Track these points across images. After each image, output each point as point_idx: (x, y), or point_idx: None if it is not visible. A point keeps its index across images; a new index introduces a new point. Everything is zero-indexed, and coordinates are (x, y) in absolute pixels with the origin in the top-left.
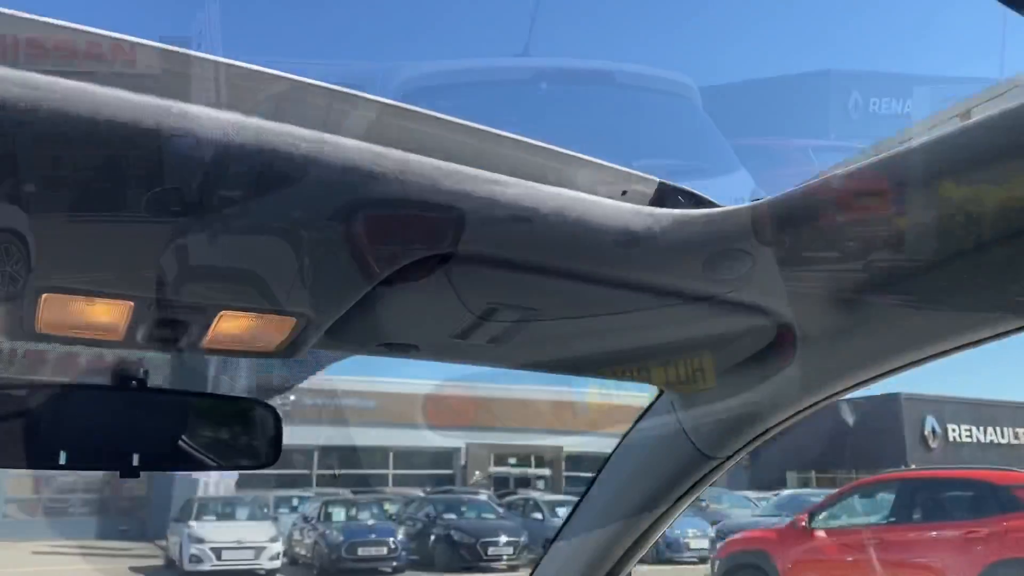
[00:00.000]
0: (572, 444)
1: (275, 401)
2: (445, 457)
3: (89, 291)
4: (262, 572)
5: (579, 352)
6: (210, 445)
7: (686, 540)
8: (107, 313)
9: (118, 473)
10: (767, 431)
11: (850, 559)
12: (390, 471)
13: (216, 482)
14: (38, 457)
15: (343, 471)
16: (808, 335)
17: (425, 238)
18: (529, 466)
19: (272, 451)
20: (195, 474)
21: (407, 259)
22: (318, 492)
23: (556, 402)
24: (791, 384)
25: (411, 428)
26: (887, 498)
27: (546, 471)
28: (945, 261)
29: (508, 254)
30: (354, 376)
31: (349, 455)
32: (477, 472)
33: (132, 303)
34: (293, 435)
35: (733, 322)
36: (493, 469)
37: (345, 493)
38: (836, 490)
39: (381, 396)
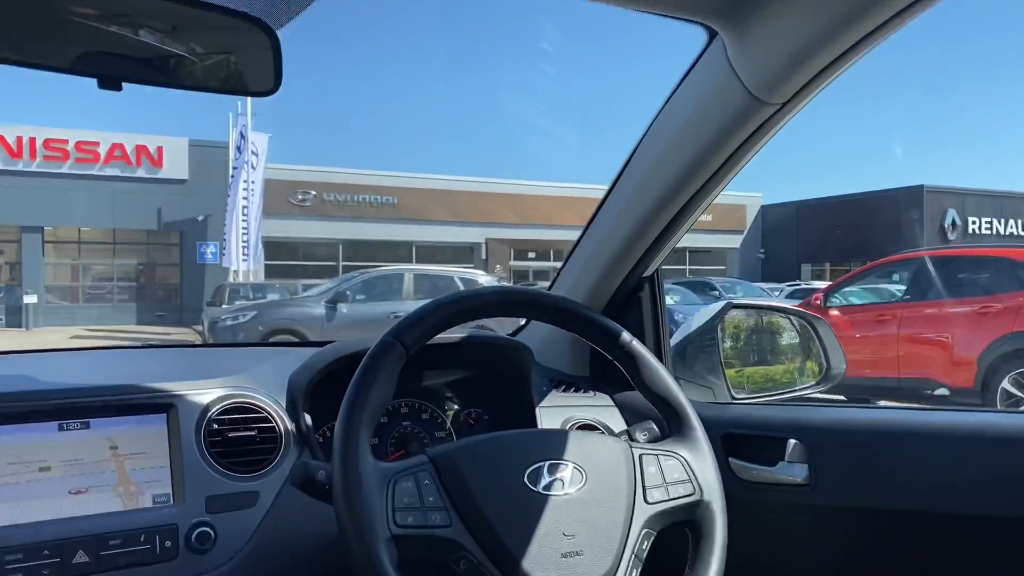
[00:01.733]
0: None
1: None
2: (466, 252)
3: None
4: None
5: None
6: (204, 66)
7: None
8: None
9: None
10: (822, 72)
11: (858, 335)
12: (414, 265)
13: (244, 271)
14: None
15: (367, 263)
16: None
17: None
18: (548, 259)
19: (273, 79)
20: (223, 258)
21: None
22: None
23: (575, 198)
24: (840, 14)
25: (432, 224)
26: (903, 277)
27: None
28: None
29: None
30: (375, 170)
31: (373, 249)
32: (498, 266)
33: None
34: (317, 229)
35: None
36: (513, 263)
37: None
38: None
39: (401, 192)
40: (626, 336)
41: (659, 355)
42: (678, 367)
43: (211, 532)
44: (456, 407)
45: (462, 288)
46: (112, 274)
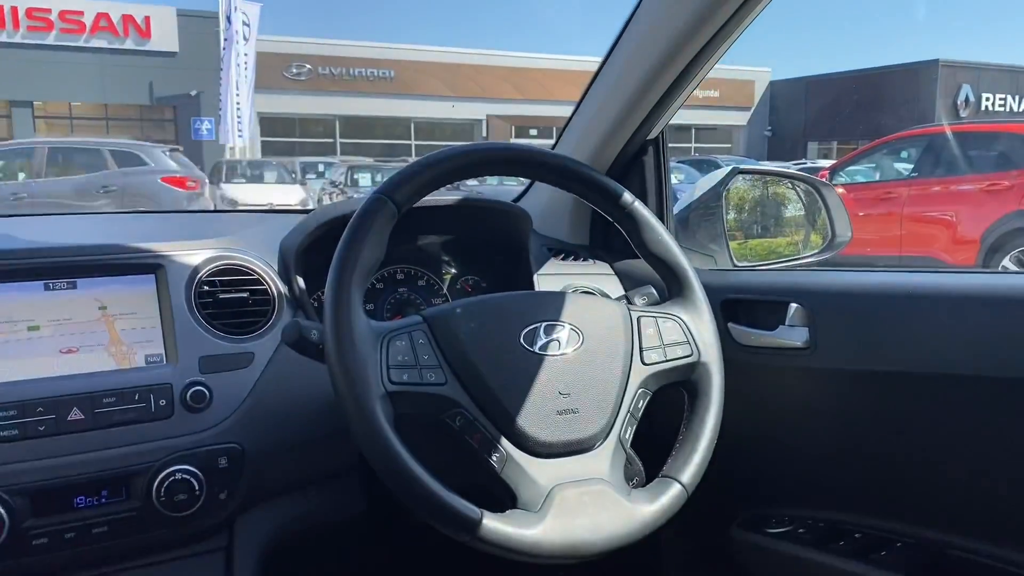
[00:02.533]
0: None
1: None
2: (466, 129)
3: None
4: None
5: None
6: None
7: None
8: None
9: None
10: None
11: (862, 214)
12: (412, 142)
13: (241, 148)
14: None
15: (365, 141)
16: None
17: None
18: (550, 137)
19: None
20: (219, 135)
21: None
22: (342, 160)
23: (579, 72)
24: None
25: (431, 99)
26: (912, 154)
27: None
28: None
29: None
30: (371, 42)
31: (371, 126)
32: None
33: None
34: (313, 105)
35: None
36: (514, 140)
37: (369, 161)
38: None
39: (399, 65)
40: (628, 196)
41: (662, 220)
42: (680, 235)
43: (206, 392)
44: (453, 273)
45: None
46: None
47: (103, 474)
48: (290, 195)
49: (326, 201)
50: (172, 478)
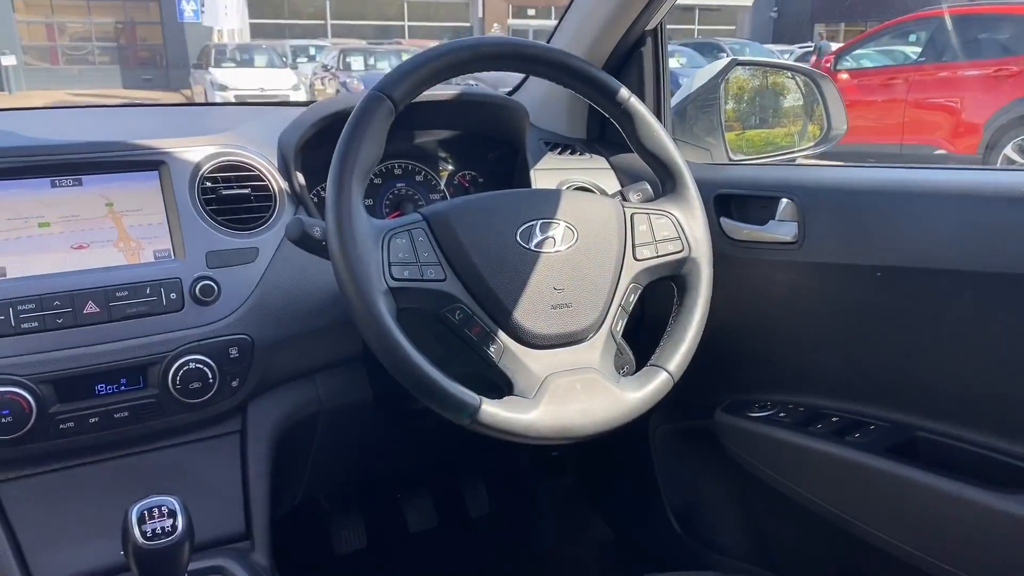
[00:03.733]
0: None
1: None
2: (461, 9)
3: None
4: None
5: None
6: None
7: None
8: None
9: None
10: None
11: (866, 100)
12: (405, 23)
13: (229, 31)
14: None
15: (357, 22)
16: None
17: None
18: (549, 17)
19: None
20: (203, 16)
21: None
22: (334, 42)
23: None
24: None
25: None
26: (920, 37)
27: None
28: None
29: None
30: None
31: (362, 5)
32: (496, 25)
33: None
34: None
35: None
36: (512, 21)
37: (361, 44)
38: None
39: None
40: (624, 92)
41: (658, 114)
42: (677, 128)
43: (214, 285)
44: (450, 168)
45: None
46: (90, 33)
47: (121, 364)
48: (281, 79)
49: (318, 86)
50: (186, 367)
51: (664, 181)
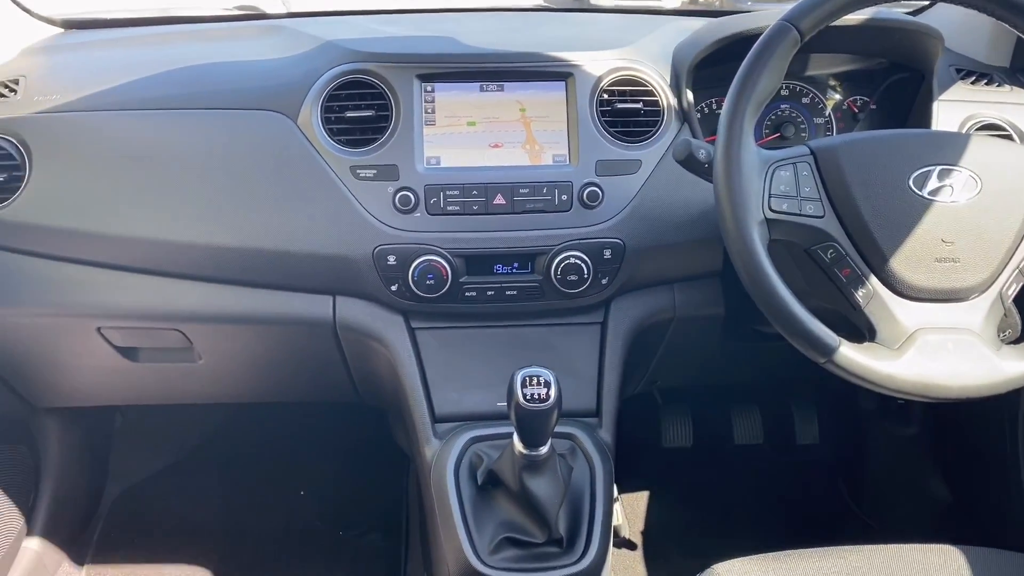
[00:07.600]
0: None
1: None
2: None
3: None
4: None
5: None
6: None
7: None
8: None
9: None
10: None
11: None
12: None
13: None
14: None
15: None
16: None
17: None
18: None
19: None
20: None
21: None
22: None
23: None
24: None
25: None
26: None
27: None
28: None
29: None
30: None
31: None
32: None
33: None
34: None
35: None
36: None
37: None
38: None
39: None
40: None
41: None
42: None
43: (599, 191)
44: (840, 93)
45: None
46: None
47: (516, 250)
48: None
49: None
50: (567, 261)
51: None
